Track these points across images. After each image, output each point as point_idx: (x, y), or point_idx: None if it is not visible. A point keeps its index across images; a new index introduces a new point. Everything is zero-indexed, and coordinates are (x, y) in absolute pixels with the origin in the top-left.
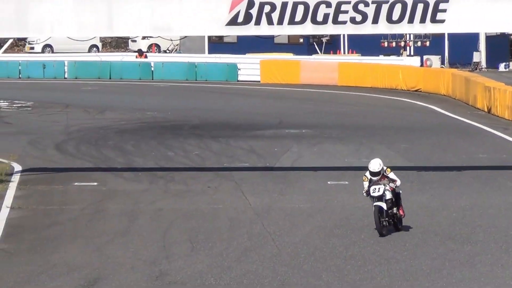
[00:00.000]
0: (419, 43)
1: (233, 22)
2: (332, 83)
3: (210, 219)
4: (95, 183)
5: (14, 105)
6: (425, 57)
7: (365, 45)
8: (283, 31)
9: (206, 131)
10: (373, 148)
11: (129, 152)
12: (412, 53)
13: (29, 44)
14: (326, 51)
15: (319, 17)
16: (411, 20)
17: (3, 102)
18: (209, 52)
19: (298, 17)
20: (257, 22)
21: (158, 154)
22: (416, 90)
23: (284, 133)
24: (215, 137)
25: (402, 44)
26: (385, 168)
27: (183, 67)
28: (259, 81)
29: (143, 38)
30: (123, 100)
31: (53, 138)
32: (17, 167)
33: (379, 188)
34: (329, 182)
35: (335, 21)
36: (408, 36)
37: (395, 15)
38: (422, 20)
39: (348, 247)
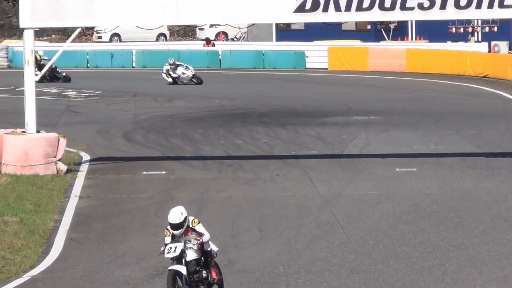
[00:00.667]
0: (486, 29)
1: (300, 9)
2: (400, 69)
3: (278, 207)
4: (164, 172)
5: (83, 95)
6: (493, 43)
7: (433, 31)
8: (351, 17)
9: (274, 119)
10: (442, 135)
11: (197, 140)
12: (479, 39)
13: (97, 33)
14: (394, 38)
15: (387, 3)
16: (478, 6)
17: (72, 92)
18: (277, 40)
19: (365, 4)
20: (325, 9)
21: (226, 142)
22: (484, 76)
23: (352, 120)
24: (283, 125)
25: (470, 30)
26: (191, 219)
27: (250, 55)
28: (327, 69)
29: (211, 26)
30: (191, 88)
31: (121, 127)
32: (86, 156)
33: (175, 248)
34: (397, 169)
35: (403, 7)
36: (475, 21)
37: (463, 1)
38: (490, 5)
39: (416, 234)
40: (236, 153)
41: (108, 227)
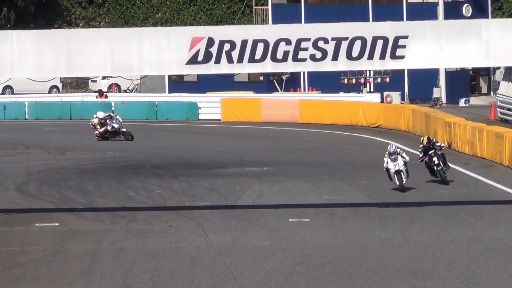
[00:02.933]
0: (379, 80)
1: (193, 61)
2: (293, 120)
3: (172, 258)
4: (57, 224)
5: None
6: (385, 93)
7: (325, 82)
8: (243, 69)
9: (167, 170)
10: (334, 185)
11: (90, 192)
12: (372, 90)
13: None
14: (287, 89)
15: (279, 55)
16: (370, 57)
17: None
18: (170, 91)
19: (258, 55)
20: (217, 61)
21: (119, 194)
22: (376, 127)
23: (245, 171)
24: (176, 176)
25: (362, 80)
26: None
27: (143, 107)
28: (220, 120)
29: (103, 78)
30: (84, 140)
31: (14, 179)
32: None
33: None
34: (290, 220)
35: (295, 59)
36: (368, 72)
37: (355, 52)
38: (382, 57)
39: (310, 284)
40: (129, 204)
41: (1, 279)
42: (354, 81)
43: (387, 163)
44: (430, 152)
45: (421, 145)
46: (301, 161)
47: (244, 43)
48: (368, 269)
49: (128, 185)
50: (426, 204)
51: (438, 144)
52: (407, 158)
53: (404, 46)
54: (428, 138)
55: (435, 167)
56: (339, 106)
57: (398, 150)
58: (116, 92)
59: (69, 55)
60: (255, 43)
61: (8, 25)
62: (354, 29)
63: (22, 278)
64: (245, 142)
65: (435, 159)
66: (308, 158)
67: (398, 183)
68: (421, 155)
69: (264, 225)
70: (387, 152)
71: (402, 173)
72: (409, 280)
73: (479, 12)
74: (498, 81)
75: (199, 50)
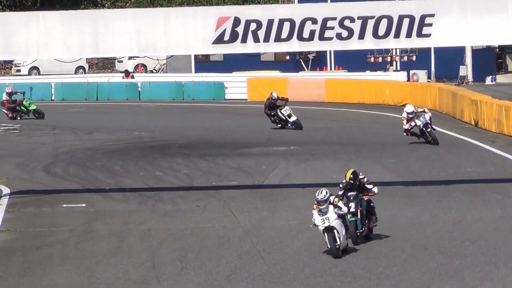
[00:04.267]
0: (405, 58)
1: (219, 40)
2: (320, 99)
3: (199, 238)
4: (84, 205)
5: (2, 128)
6: (411, 72)
7: (352, 61)
8: (270, 48)
9: (193, 150)
10: (361, 164)
11: (117, 172)
12: (398, 68)
13: (16, 66)
14: (313, 68)
15: (305, 34)
16: (397, 35)
17: None
18: (196, 71)
19: (284, 34)
20: (243, 40)
21: (146, 174)
22: (403, 105)
23: (271, 150)
24: (203, 156)
25: (389, 59)
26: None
27: (170, 87)
28: (246, 99)
29: (130, 58)
30: (111, 120)
31: (41, 160)
32: (5, 190)
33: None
34: None
35: (321, 38)
36: (394, 51)
37: (381, 30)
38: (408, 35)
39: (337, 263)
40: (156, 184)
41: (28, 260)
42: (380, 59)
43: (314, 217)
44: (351, 194)
45: (344, 182)
46: (328, 140)
47: (270, 22)
48: (395, 247)
49: (155, 165)
50: (453, 183)
51: (370, 187)
52: (344, 210)
53: (430, 24)
54: (354, 174)
55: (347, 216)
56: (366, 85)
57: (332, 198)
58: (142, 73)
59: (95, 36)
60: (281, 22)
61: (35, 6)
62: (380, 8)
63: (50, 258)
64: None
65: (351, 205)
66: (335, 137)
67: (329, 246)
68: (340, 193)
69: (291, 205)
70: (315, 201)
71: (335, 231)
72: (437, 258)
73: None
74: None
75: (225, 30)
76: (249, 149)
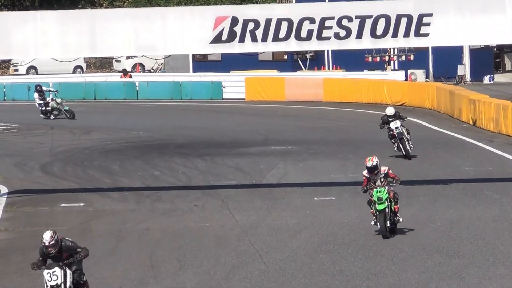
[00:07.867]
0: (403, 57)
1: (217, 40)
2: (317, 99)
3: (197, 237)
4: (82, 204)
5: None
6: (409, 71)
7: (350, 60)
8: (268, 47)
9: (191, 150)
10: (359, 163)
11: (115, 172)
12: (396, 68)
13: (13, 66)
14: (311, 67)
15: (303, 33)
16: (395, 34)
17: None
18: (194, 71)
19: (282, 34)
20: (241, 40)
21: (144, 174)
22: (401, 105)
23: (269, 150)
24: (201, 155)
25: (387, 58)
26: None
27: (168, 86)
28: (244, 99)
29: (127, 58)
30: (108, 120)
31: (38, 159)
32: (3, 189)
33: None
34: (315, 198)
35: (319, 37)
36: (392, 50)
37: (379, 30)
38: (406, 34)
39: (335, 262)
40: (154, 184)
41: (27, 260)
42: (378, 59)
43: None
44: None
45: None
46: (326, 139)
47: (268, 22)
48: (393, 247)
49: (153, 165)
50: (451, 182)
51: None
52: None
53: (428, 24)
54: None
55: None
56: (363, 84)
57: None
58: (140, 72)
59: (93, 35)
60: (279, 22)
61: (33, 6)
62: (378, 7)
63: None
64: (269, 121)
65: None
66: (333, 136)
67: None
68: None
69: (289, 204)
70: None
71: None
72: (435, 257)
73: None
74: None
75: (223, 29)
76: (247, 149)
